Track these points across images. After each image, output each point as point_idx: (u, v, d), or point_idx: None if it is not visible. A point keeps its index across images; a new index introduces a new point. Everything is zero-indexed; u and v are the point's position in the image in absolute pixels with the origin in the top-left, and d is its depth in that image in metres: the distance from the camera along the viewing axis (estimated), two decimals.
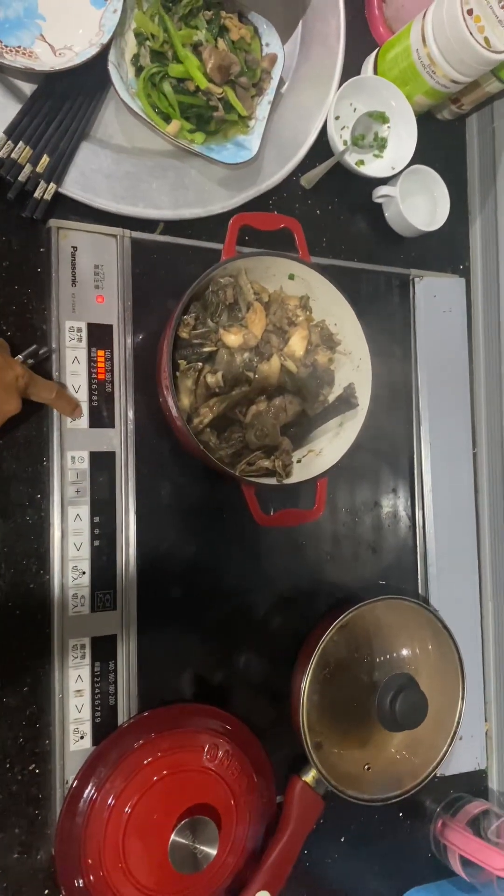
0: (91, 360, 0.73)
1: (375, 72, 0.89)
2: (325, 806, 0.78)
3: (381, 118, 0.89)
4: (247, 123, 0.80)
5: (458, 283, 0.96)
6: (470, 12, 0.77)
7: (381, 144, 0.89)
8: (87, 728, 0.71)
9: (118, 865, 0.68)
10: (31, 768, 0.70)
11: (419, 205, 0.92)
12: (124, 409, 0.74)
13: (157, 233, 0.78)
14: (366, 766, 0.81)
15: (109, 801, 0.69)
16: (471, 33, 0.77)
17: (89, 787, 0.69)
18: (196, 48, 0.75)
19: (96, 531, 0.73)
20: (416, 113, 0.89)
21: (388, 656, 0.84)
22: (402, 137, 0.89)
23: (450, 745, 0.84)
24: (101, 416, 0.73)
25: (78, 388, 0.72)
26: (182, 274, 0.78)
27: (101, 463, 0.73)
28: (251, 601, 0.82)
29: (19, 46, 0.71)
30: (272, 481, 0.75)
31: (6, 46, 0.70)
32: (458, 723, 0.84)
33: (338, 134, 0.86)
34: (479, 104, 0.94)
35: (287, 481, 0.75)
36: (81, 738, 0.71)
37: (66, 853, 0.68)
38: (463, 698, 0.85)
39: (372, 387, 0.79)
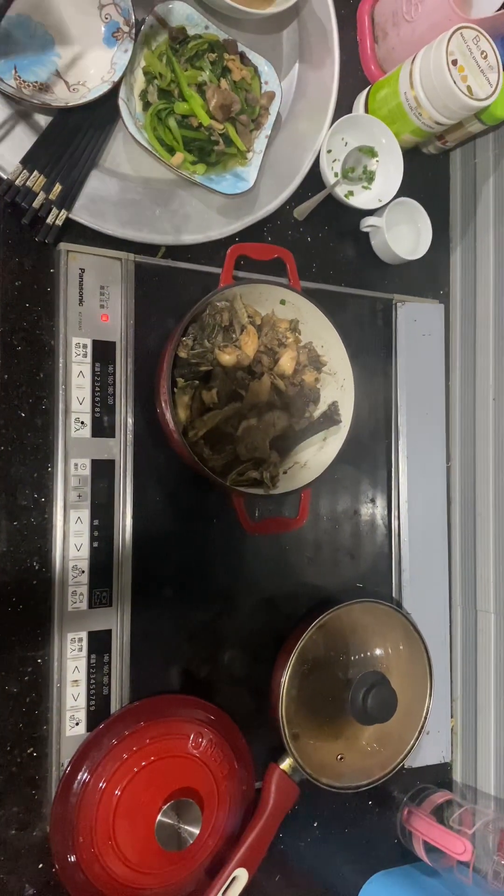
0: (95, 375, 0.79)
1: (367, 108, 0.95)
2: (300, 793, 0.84)
3: (371, 153, 0.95)
4: (245, 156, 0.86)
5: (437, 309, 1.02)
6: (454, 62, 0.84)
7: (369, 177, 0.95)
8: (82, 715, 0.77)
9: (108, 843, 0.73)
10: (29, 752, 0.75)
11: (404, 234, 0.98)
12: (124, 420, 0.80)
13: (158, 256, 0.83)
14: (339, 757, 0.87)
15: (101, 784, 0.74)
16: (455, 82, 0.84)
17: (83, 770, 0.74)
18: (200, 87, 0.81)
19: (95, 533, 0.78)
20: (403, 148, 0.95)
21: (362, 655, 0.90)
22: (390, 171, 0.95)
23: (417, 739, 0.90)
24: (102, 427, 0.79)
25: (82, 401, 0.78)
26: (181, 295, 0.83)
27: (102, 470, 0.79)
28: (237, 601, 0.87)
29: (36, 82, 0.76)
30: (260, 491, 0.81)
31: (25, 81, 0.75)
32: (426, 718, 0.90)
33: (329, 167, 0.92)
34: (462, 141, 1.01)
35: (274, 492, 0.81)
36: (77, 724, 0.77)
37: (60, 831, 0.73)
38: (430, 696, 0.91)
39: (354, 405, 0.85)
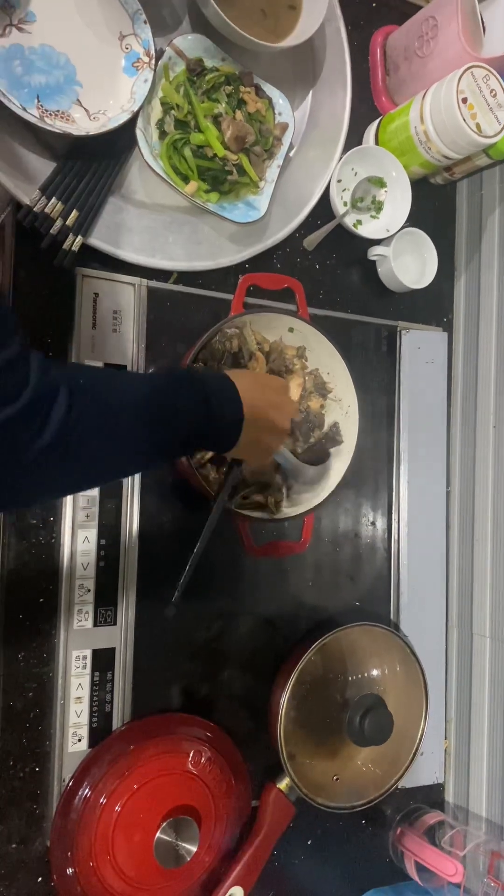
0: None
1: (377, 140, 0.97)
2: (296, 811, 0.86)
3: (380, 183, 0.97)
4: (257, 185, 0.87)
5: (441, 337, 1.04)
6: (465, 100, 0.86)
7: (378, 207, 0.97)
8: (84, 732, 0.78)
9: (106, 858, 0.75)
10: (31, 767, 0.76)
11: (409, 264, 1.00)
12: None
13: (170, 282, 0.85)
14: (334, 777, 0.88)
15: (102, 800, 0.75)
16: (464, 119, 0.86)
17: (84, 786, 0.76)
18: (216, 118, 0.82)
19: (102, 553, 0.80)
20: (411, 179, 0.97)
21: (359, 676, 0.92)
22: (398, 202, 0.96)
23: (411, 760, 0.91)
24: None
25: None
26: (192, 320, 0.85)
27: (110, 491, 0.80)
28: (238, 622, 0.89)
29: (58, 110, 0.77)
30: (264, 515, 0.83)
31: (47, 110, 0.76)
32: (420, 740, 0.92)
33: (339, 196, 0.94)
34: (469, 172, 1.02)
35: (277, 516, 0.83)
36: (79, 740, 0.78)
37: (59, 844, 0.75)
38: (426, 718, 0.92)
39: (358, 431, 0.87)
